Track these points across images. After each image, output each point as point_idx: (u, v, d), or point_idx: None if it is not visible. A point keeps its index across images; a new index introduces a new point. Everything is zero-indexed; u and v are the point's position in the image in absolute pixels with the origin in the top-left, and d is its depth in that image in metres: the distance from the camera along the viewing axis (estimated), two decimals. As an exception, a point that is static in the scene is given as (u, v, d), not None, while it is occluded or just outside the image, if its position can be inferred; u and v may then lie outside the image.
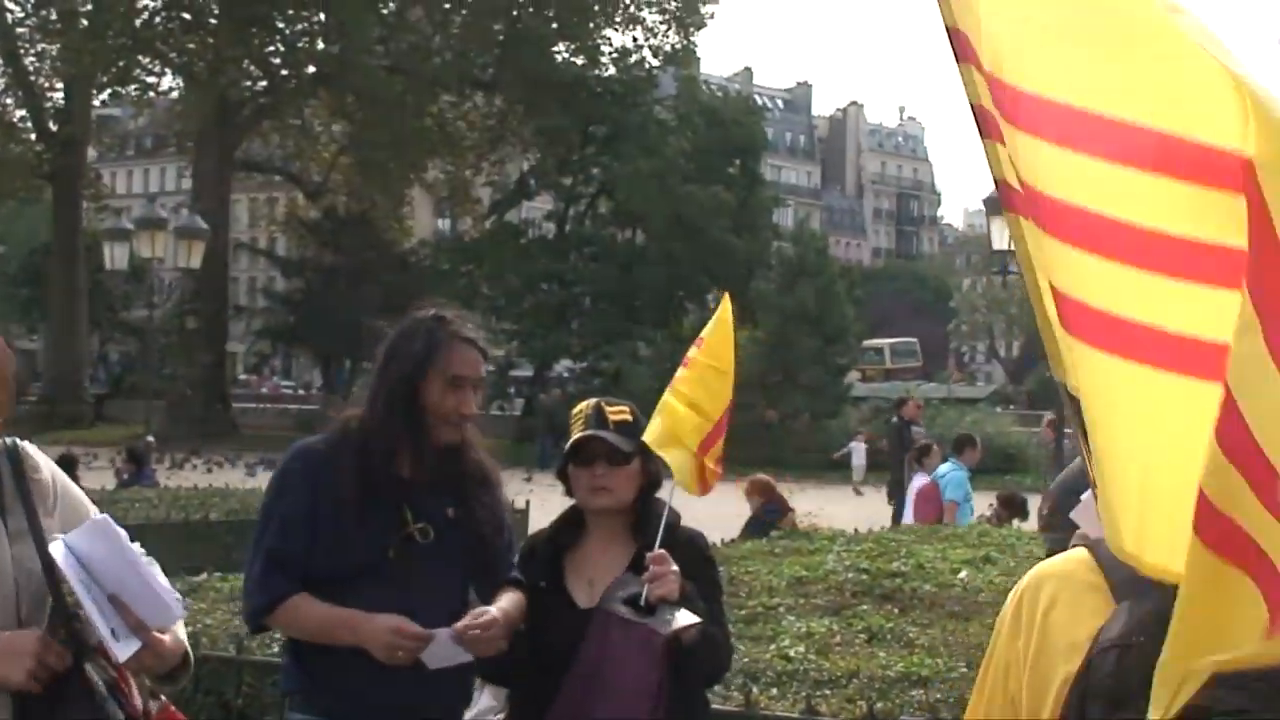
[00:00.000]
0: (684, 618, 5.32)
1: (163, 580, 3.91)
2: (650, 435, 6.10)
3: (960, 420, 57.16)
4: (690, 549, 5.76)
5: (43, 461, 4.03)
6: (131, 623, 3.76)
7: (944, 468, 22.33)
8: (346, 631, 5.09)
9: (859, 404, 62.16)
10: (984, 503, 23.45)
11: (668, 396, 6.53)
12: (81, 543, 3.79)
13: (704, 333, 6.98)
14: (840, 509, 22.36)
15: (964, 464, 22.34)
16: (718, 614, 5.84)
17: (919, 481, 23.00)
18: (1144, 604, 3.01)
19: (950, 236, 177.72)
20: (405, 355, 5.34)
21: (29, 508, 4.06)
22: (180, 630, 4.10)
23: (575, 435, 5.62)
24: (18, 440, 3.98)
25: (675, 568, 5.43)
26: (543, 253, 68.92)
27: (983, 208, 41.19)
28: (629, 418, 5.70)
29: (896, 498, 25.80)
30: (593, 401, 5.80)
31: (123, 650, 3.71)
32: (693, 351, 6.80)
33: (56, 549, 3.82)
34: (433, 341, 5.31)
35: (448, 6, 61.99)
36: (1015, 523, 19.97)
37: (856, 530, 16.28)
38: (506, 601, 5.32)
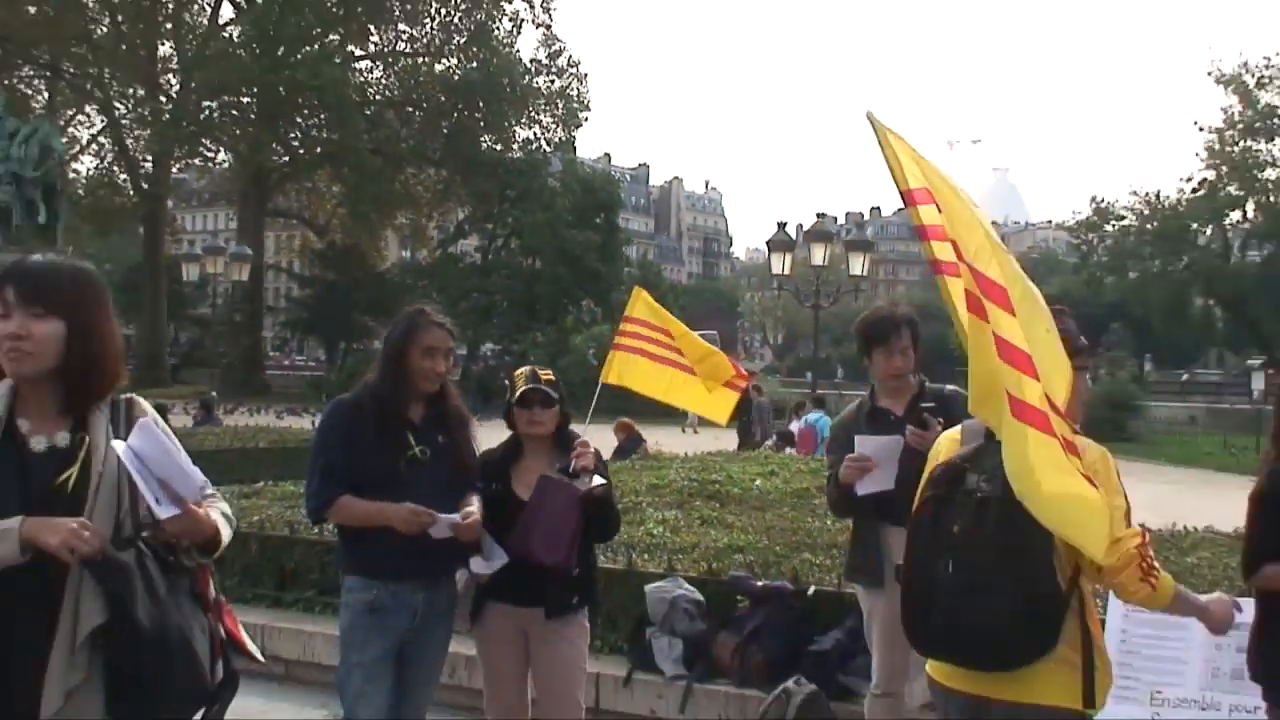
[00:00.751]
0: (597, 480, 5.54)
1: (189, 464, 3.51)
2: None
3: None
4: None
5: (148, 407, 3.72)
6: (172, 496, 3.41)
7: (814, 415, 21.95)
8: (380, 515, 5.13)
9: (754, 374, 63.26)
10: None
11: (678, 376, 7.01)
12: (135, 441, 3.43)
13: (654, 319, 7.13)
14: (676, 443, 22.84)
15: (826, 414, 21.60)
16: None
17: (798, 426, 22.62)
18: (970, 446, 4.16)
19: (738, 266, 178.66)
20: (396, 334, 5.40)
21: None
22: (214, 511, 3.62)
23: (520, 388, 5.68)
24: (130, 394, 3.72)
25: (594, 449, 5.71)
26: (473, 274, 68.71)
27: (761, 247, 41.57)
28: (553, 378, 5.75)
29: (747, 440, 24.98)
30: (529, 367, 5.84)
31: (165, 512, 3.38)
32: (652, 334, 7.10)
33: (118, 446, 3.42)
34: (412, 324, 5.36)
35: (410, 110, 62.07)
36: (787, 450, 20.36)
37: (687, 454, 16.27)
38: (476, 505, 5.34)
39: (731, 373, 7.22)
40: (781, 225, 33.47)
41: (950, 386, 6.13)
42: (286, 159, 63.03)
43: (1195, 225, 69.73)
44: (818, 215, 32.09)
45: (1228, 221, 70.71)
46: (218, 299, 54.77)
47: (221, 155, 62.57)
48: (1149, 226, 69.18)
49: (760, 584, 7.72)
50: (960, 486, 4.05)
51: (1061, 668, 3.90)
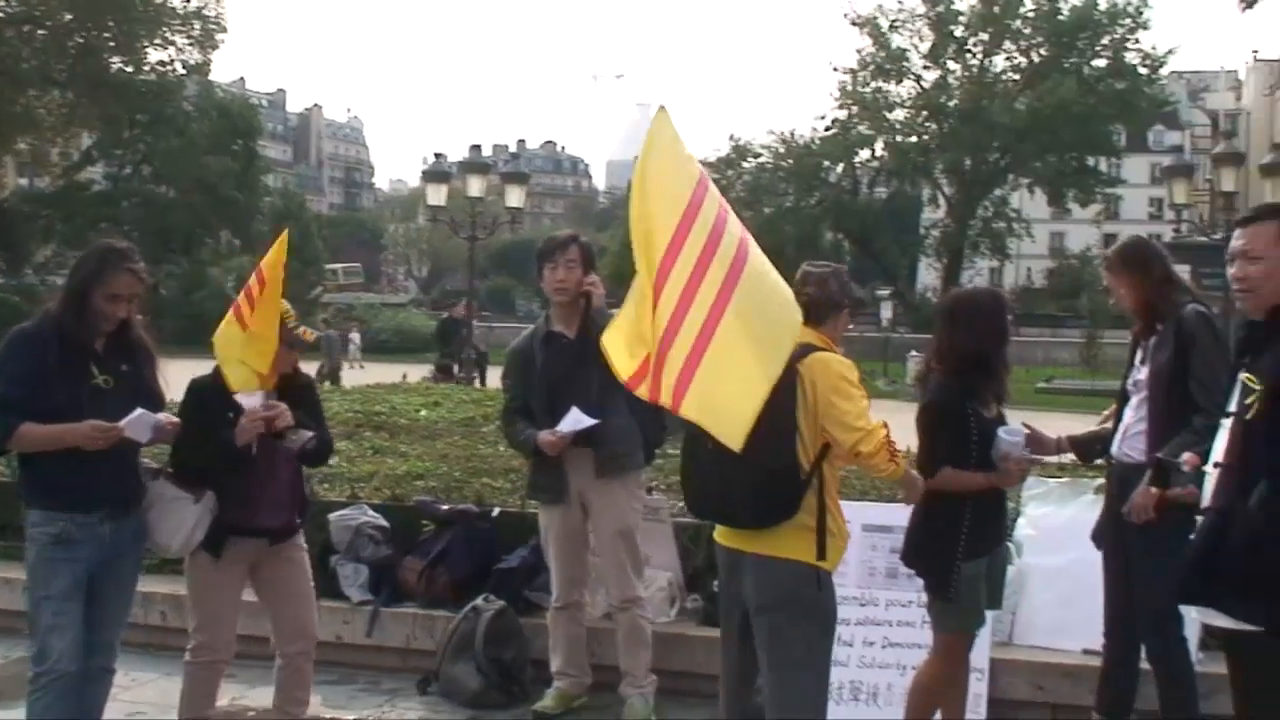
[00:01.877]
0: (303, 435, 5.65)
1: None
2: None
3: (394, 318, 58.23)
4: (307, 388, 6.06)
5: None
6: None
7: None
8: (62, 437, 5.10)
9: (326, 308, 62.48)
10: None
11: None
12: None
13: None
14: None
15: None
16: (322, 420, 6.10)
17: None
18: None
19: (381, 197, 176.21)
20: (84, 272, 5.29)
21: None
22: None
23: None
24: None
25: (284, 408, 5.59)
26: (101, 203, 65.47)
27: (405, 177, 40.58)
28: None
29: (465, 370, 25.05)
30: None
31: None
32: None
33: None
34: (101, 265, 5.26)
35: (31, 27, 58.12)
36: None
37: (354, 387, 16.25)
38: (165, 416, 5.37)
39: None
40: (438, 155, 33.41)
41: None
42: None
43: (828, 163, 72.73)
44: (472, 147, 32.10)
45: (857, 160, 74.07)
46: None
47: None
48: (784, 164, 71.78)
49: (445, 508, 7.92)
50: None
51: (801, 530, 4.79)
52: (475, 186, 29.18)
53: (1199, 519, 3.94)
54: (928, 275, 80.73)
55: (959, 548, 5.40)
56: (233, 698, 6.85)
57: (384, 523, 7.97)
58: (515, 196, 30.46)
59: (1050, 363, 47.49)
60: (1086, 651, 6.36)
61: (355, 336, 46.79)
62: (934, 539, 5.51)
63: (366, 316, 59.20)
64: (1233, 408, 4.00)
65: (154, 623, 7.80)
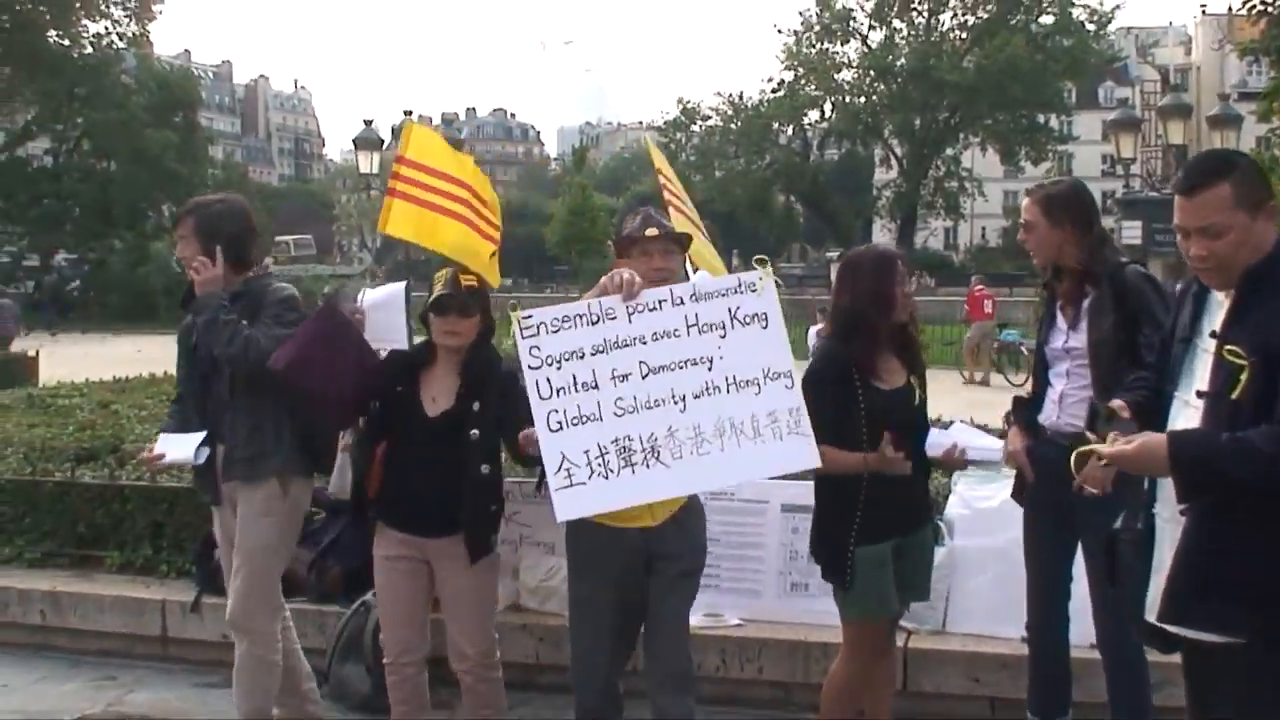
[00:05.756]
0: None
1: None
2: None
3: (343, 289, 57.62)
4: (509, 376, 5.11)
5: None
6: None
7: None
8: None
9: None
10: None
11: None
12: None
13: (433, 161, 6.10)
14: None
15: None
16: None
17: None
18: None
19: (332, 168, 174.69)
20: None
21: None
22: None
23: (437, 292, 5.21)
24: None
25: None
26: (44, 178, 63.87)
27: (353, 147, 40.26)
28: (476, 284, 5.36)
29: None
30: (451, 269, 5.37)
31: None
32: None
33: None
34: None
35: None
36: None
37: None
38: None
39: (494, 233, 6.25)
40: (368, 123, 32.49)
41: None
42: None
43: (777, 125, 72.53)
44: (405, 113, 31.59)
45: (806, 121, 73.92)
46: None
47: None
48: (733, 126, 71.53)
49: (333, 493, 7.20)
50: None
51: None
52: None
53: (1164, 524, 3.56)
54: (881, 237, 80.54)
55: (852, 532, 4.90)
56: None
57: (272, 513, 7.35)
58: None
59: (1006, 322, 47.18)
60: (1025, 639, 5.78)
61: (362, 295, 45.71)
62: (825, 520, 5.07)
63: (314, 288, 58.34)
64: (1202, 386, 3.51)
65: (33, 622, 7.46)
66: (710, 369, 4.56)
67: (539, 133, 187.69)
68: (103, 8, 59.59)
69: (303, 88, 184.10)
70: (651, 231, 4.98)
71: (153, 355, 17.24)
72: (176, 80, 68.43)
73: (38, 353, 22.45)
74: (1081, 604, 5.17)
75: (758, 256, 4.88)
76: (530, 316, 4.56)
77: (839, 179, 76.61)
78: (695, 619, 5.48)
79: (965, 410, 8.60)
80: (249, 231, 5.60)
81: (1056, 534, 5.16)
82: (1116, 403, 3.71)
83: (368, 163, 29.06)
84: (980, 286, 30.39)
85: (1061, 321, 5.18)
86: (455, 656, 5.39)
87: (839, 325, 5.05)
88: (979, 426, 6.05)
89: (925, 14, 69.82)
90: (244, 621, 5.58)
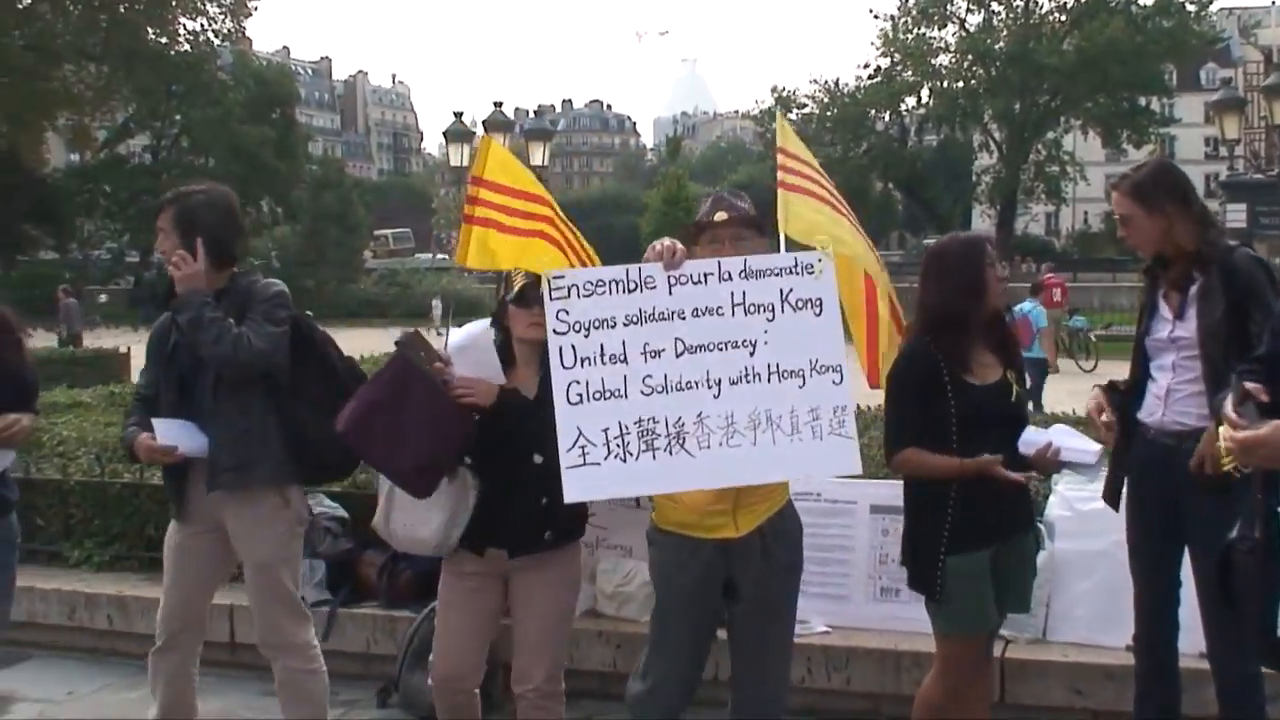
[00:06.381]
0: None
1: None
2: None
3: (439, 281, 58.08)
4: None
5: None
6: None
7: (1027, 305, 20.00)
8: None
9: (370, 274, 62.43)
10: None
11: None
12: None
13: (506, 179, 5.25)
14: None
15: (1040, 304, 20.37)
16: None
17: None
18: None
19: (430, 162, 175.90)
20: None
21: None
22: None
23: (518, 284, 4.75)
24: None
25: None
26: (143, 174, 65.13)
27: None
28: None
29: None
30: None
31: None
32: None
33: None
34: None
35: (64, 2, 58.12)
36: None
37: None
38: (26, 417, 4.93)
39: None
40: (458, 115, 32.44)
41: None
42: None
43: (873, 112, 71.79)
44: (494, 105, 31.57)
45: (904, 107, 73.09)
46: None
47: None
48: (829, 114, 70.88)
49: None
50: None
51: None
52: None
53: None
54: (981, 223, 79.44)
55: (943, 539, 4.53)
56: None
57: (343, 513, 7.26)
58: (538, 154, 29.68)
59: (1108, 308, 46.12)
60: (1131, 648, 5.38)
61: (438, 302, 45.82)
62: (916, 530, 4.69)
63: (411, 281, 58.79)
64: None
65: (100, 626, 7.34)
66: (752, 354, 4.22)
67: (635, 124, 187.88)
68: (198, 5, 60.36)
69: (401, 82, 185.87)
70: (721, 216, 4.48)
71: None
72: (273, 76, 69.37)
73: (129, 349, 22.32)
74: (1192, 610, 4.78)
75: (819, 237, 4.52)
76: (562, 277, 4.28)
77: (937, 165, 75.57)
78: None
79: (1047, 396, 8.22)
80: (232, 224, 5.26)
81: (1162, 540, 4.79)
82: (1254, 385, 3.36)
83: (458, 155, 29.02)
84: (1050, 274, 29.91)
85: (1166, 310, 4.75)
86: (519, 678, 4.93)
87: (926, 320, 4.68)
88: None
89: (1023, -3, 68.79)
90: (274, 639, 5.29)
